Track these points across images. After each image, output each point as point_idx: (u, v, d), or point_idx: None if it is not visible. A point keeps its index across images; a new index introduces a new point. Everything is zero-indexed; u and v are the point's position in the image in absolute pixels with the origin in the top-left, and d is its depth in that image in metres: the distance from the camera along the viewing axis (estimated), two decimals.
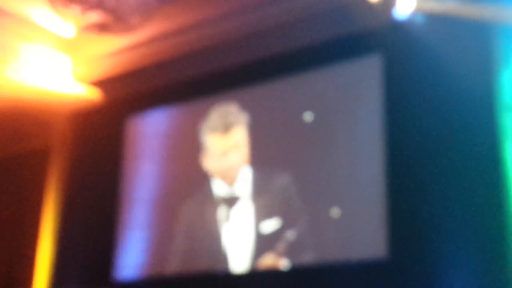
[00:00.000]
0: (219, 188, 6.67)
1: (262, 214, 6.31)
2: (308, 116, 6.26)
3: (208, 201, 6.70)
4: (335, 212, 5.84)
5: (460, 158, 5.20)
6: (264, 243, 6.23)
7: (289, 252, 6.03)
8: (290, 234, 6.06)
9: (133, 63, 7.26)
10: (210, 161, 6.79)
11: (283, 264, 6.03)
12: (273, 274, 6.09)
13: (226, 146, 6.70)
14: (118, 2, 4.76)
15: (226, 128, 6.73)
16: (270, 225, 6.22)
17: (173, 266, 6.80)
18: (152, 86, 7.50)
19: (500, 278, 4.74)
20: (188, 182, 6.98)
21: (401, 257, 5.31)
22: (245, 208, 6.42)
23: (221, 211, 6.58)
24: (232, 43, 6.66)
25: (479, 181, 5.05)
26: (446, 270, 5.02)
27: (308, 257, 5.92)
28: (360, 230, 5.68)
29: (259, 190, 6.38)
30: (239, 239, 6.39)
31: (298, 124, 6.30)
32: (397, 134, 5.63)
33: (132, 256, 7.18)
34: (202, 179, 6.82)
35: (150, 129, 7.58)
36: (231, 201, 6.54)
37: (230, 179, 6.61)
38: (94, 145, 7.86)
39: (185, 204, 6.88)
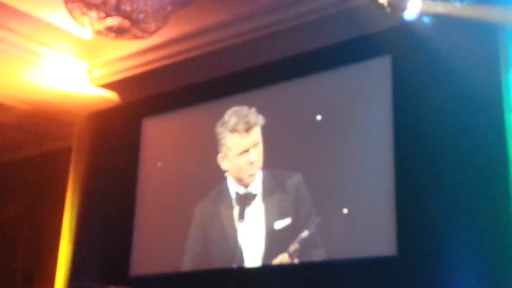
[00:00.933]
0: (235, 187, 6.74)
1: (275, 212, 6.38)
2: (320, 117, 6.32)
3: (224, 200, 6.78)
4: (345, 211, 5.90)
5: (467, 157, 5.23)
6: (277, 241, 6.30)
7: (302, 251, 6.09)
8: (304, 235, 6.12)
9: (150, 66, 7.34)
10: (230, 161, 6.86)
11: (296, 263, 6.10)
12: (286, 270, 6.15)
13: (248, 145, 6.77)
14: (134, 7, 4.83)
15: (247, 128, 6.81)
16: (283, 223, 6.28)
17: (188, 262, 6.89)
18: (168, 88, 7.60)
19: (506, 275, 4.76)
20: (204, 181, 7.06)
21: (409, 254, 5.37)
22: (260, 207, 6.50)
23: (236, 209, 6.66)
24: (245, 46, 6.70)
25: (486, 180, 5.08)
26: (453, 267, 5.05)
27: (320, 255, 5.98)
28: (370, 228, 5.73)
29: (273, 190, 6.45)
30: (253, 236, 6.47)
31: (310, 125, 6.37)
32: (406, 134, 5.68)
33: (148, 253, 7.27)
34: (217, 178, 6.91)
35: (167, 131, 7.66)
36: (246, 200, 6.61)
37: (247, 178, 6.69)
38: (113, 145, 7.97)
39: (201, 203, 6.97)
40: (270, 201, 6.45)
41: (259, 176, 6.60)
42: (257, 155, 6.69)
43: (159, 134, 7.71)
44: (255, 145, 6.72)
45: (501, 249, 4.86)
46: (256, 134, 6.75)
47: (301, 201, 6.24)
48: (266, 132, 6.70)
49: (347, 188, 5.97)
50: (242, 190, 6.68)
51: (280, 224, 6.30)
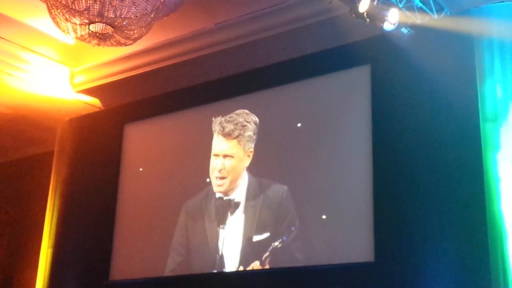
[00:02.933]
0: (218, 193, 6.67)
1: (255, 225, 6.31)
2: (300, 125, 6.30)
3: (209, 203, 6.69)
4: (324, 217, 5.88)
5: (443, 166, 5.25)
6: (253, 250, 6.25)
7: (274, 259, 6.06)
8: (276, 243, 6.09)
9: (132, 72, 7.29)
10: (212, 164, 6.78)
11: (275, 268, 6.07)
12: (265, 275, 6.12)
13: (219, 151, 6.71)
14: (117, 14, 4.78)
15: (226, 134, 6.74)
16: (261, 237, 6.23)
17: (171, 263, 6.79)
18: (149, 94, 7.55)
19: (480, 282, 4.77)
20: (185, 187, 7.00)
21: (386, 261, 5.36)
22: (241, 217, 6.43)
23: (218, 215, 6.60)
24: (226, 54, 6.70)
25: (462, 188, 5.09)
26: (429, 273, 5.05)
27: (297, 260, 5.95)
28: (348, 235, 5.72)
29: (257, 199, 6.39)
30: (231, 244, 6.41)
31: (291, 132, 6.35)
32: (384, 142, 5.68)
33: (128, 258, 7.20)
34: (198, 184, 6.86)
35: (148, 136, 7.61)
36: (229, 207, 6.55)
37: (215, 186, 6.65)
38: (94, 150, 7.89)
39: (188, 202, 6.86)
40: (252, 212, 6.37)
41: (243, 183, 6.53)
42: (226, 165, 6.61)
43: (140, 140, 7.65)
44: (225, 156, 6.64)
45: (476, 256, 4.86)
46: (231, 148, 6.65)
47: (283, 213, 6.18)
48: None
49: (326, 195, 5.96)
50: (224, 197, 6.62)
51: (258, 237, 6.24)
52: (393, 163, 5.53)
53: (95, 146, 7.89)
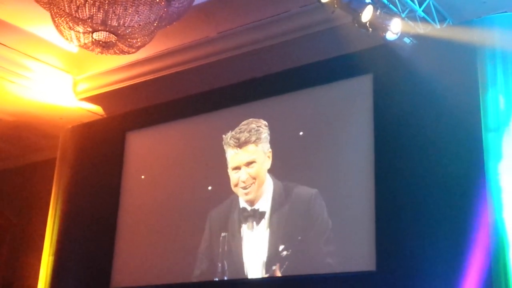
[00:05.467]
0: (242, 202, 6.57)
1: (280, 229, 6.22)
2: (302, 133, 6.31)
3: (234, 213, 6.60)
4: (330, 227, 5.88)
5: (446, 175, 5.25)
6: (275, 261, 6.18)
7: (286, 266, 6.04)
8: (286, 253, 6.06)
9: (134, 80, 7.32)
10: (229, 174, 6.72)
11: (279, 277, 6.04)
12: (270, 283, 6.11)
13: (239, 163, 6.65)
14: (120, 22, 4.80)
15: (238, 144, 6.70)
16: (282, 241, 6.15)
17: (197, 270, 6.71)
18: (152, 103, 7.57)
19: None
20: (187, 195, 7.00)
21: (388, 270, 5.36)
22: (266, 227, 6.34)
23: (242, 226, 6.50)
24: (229, 62, 6.72)
25: (464, 198, 5.09)
26: (431, 283, 5.05)
27: (303, 270, 5.94)
28: (350, 244, 5.72)
29: (282, 208, 6.29)
30: (254, 255, 6.33)
31: (293, 140, 6.36)
32: (386, 151, 5.69)
33: (130, 265, 7.19)
34: (202, 192, 6.85)
35: (150, 144, 7.62)
36: (253, 217, 6.46)
37: (243, 196, 6.57)
38: (96, 158, 7.91)
39: (213, 211, 6.75)
40: (277, 221, 6.24)
41: (269, 189, 6.42)
42: (251, 174, 6.53)
43: (142, 148, 7.66)
44: (248, 163, 6.57)
45: (480, 267, 4.84)
46: (251, 152, 6.59)
47: (311, 219, 6.04)
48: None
49: (329, 204, 5.94)
50: (248, 207, 6.52)
51: (280, 247, 6.15)
52: (395, 173, 5.54)
53: (97, 154, 7.90)
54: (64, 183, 8.05)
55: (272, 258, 6.16)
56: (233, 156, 6.72)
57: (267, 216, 6.35)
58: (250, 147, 6.62)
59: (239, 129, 6.75)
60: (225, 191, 6.70)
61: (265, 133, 6.56)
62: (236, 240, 6.47)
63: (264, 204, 6.40)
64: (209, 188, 6.82)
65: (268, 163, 6.50)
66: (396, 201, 5.46)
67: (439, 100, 5.41)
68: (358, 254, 5.64)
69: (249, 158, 6.59)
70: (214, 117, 7.04)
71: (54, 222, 7.90)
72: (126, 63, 7.16)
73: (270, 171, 6.48)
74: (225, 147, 6.82)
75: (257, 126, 6.62)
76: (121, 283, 7.19)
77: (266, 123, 6.60)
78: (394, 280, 5.27)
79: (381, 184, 5.61)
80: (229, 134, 6.80)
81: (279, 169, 6.41)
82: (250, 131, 6.64)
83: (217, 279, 6.48)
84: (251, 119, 6.72)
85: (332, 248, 5.82)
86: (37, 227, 8.62)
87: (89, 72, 7.50)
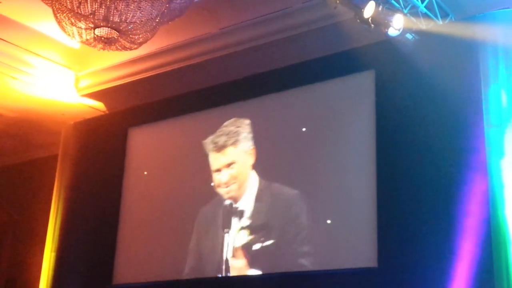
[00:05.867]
0: (227, 199, 6.70)
1: (261, 226, 6.35)
2: (305, 129, 6.35)
3: (219, 209, 6.73)
4: (329, 222, 5.92)
5: (448, 172, 5.26)
6: (257, 254, 6.31)
7: (284, 261, 6.10)
8: (282, 248, 6.14)
9: (137, 76, 7.34)
10: (216, 180, 6.86)
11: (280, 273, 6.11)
12: (268, 280, 6.15)
13: (219, 165, 6.83)
14: (123, 18, 4.83)
15: (217, 148, 6.88)
16: (266, 237, 6.26)
17: (187, 266, 6.81)
18: (154, 99, 7.60)
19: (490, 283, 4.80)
20: (189, 191, 7.04)
21: (389, 266, 5.39)
22: (246, 224, 6.47)
23: (225, 221, 6.62)
24: (232, 58, 6.75)
25: (467, 195, 5.11)
26: (432, 279, 5.07)
27: (302, 265, 5.98)
28: (352, 240, 5.76)
29: (263, 208, 6.42)
30: (235, 250, 6.46)
31: (296, 136, 6.40)
32: (388, 148, 5.72)
33: (132, 262, 7.23)
34: (205, 188, 6.90)
35: (153, 140, 7.65)
36: (235, 214, 6.58)
37: (225, 195, 6.70)
38: (99, 154, 7.95)
39: (204, 207, 6.87)
40: (258, 218, 6.40)
41: (252, 187, 6.56)
42: (232, 174, 6.70)
43: (145, 144, 7.70)
44: (228, 165, 6.74)
45: (480, 262, 4.88)
46: (229, 155, 6.77)
47: (291, 218, 6.20)
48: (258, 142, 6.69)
49: (330, 200, 5.99)
50: (233, 204, 6.66)
51: (265, 243, 6.27)
52: (397, 169, 5.57)
53: (99, 150, 7.94)
54: (66, 180, 8.09)
55: (252, 255, 6.29)
56: (214, 159, 6.90)
57: (248, 214, 6.46)
58: (229, 149, 6.79)
59: (219, 132, 6.92)
60: None
61: (244, 133, 6.72)
62: (219, 237, 6.57)
63: (247, 202, 6.53)
64: (212, 184, 6.86)
65: (250, 160, 6.63)
66: (398, 197, 5.49)
67: (441, 96, 5.43)
68: (360, 250, 5.67)
69: (228, 160, 6.76)
70: (215, 113, 7.08)
71: (56, 218, 7.94)
72: (128, 59, 7.20)
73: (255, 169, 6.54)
74: (206, 151, 6.94)
75: (236, 127, 6.80)
76: (123, 279, 7.23)
77: (248, 121, 6.71)
78: (396, 277, 5.30)
79: (383, 181, 5.64)
80: (209, 138, 6.96)
81: (265, 168, 6.53)
82: (228, 134, 6.83)
83: (202, 277, 6.58)
84: (230, 121, 6.87)
85: (306, 249, 5.96)
86: (39, 223, 8.66)
87: (91, 68, 7.54)
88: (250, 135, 6.68)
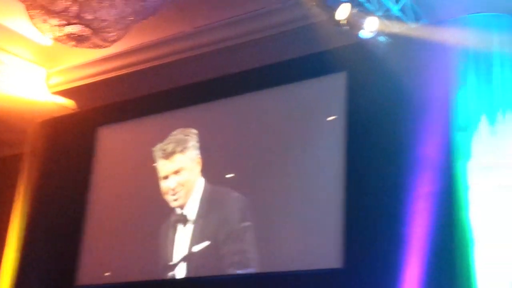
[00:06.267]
0: (174, 208, 6.85)
1: (198, 236, 6.53)
2: (275, 130, 6.44)
3: (164, 217, 6.87)
4: (293, 223, 6.03)
5: (416, 174, 5.38)
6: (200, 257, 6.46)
7: (236, 263, 6.23)
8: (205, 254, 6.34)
9: (108, 74, 7.36)
10: (163, 187, 7.01)
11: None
12: (231, 281, 6.24)
13: (167, 172, 6.97)
14: (95, 16, 4.85)
15: (165, 156, 7.02)
16: (201, 246, 6.44)
17: (133, 273, 6.89)
18: (125, 98, 7.62)
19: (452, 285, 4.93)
20: (156, 192, 7.08)
21: (355, 267, 5.49)
22: (190, 228, 6.63)
23: (174, 226, 6.76)
24: (204, 58, 6.83)
25: (433, 198, 5.24)
26: (398, 280, 5.18)
27: (260, 266, 6.09)
28: (317, 241, 5.85)
29: (207, 212, 6.58)
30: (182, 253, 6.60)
31: (265, 138, 6.49)
32: (358, 149, 5.83)
33: (96, 263, 7.23)
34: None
35: (122, 140, 7.66)
36: (182, 220, 6.71)
37: (172, 202, 6.84)
38: (66, 153, 7.92)
39: (150, 218, 7.00)
40: (201, 223, 6.58)
41: (197, 193, 6.71)
42: (179, 181, 6.83)
43: (114, 143, 7.72)
44: (176, 172, 6.89)
45: (443, 263, 5.02)
46: (177, 162, 6.93)
47: (234, 221, 6.36)
48: (209, 148, 6.84)
49: (296, 201, 6.10)
50: (179, 210, 6.82)
51: (198, 247, 6.44)
52: (366, 170, 5.68)
53: (67, 149, 7.91)
54: (31, 178, 8.03)
55: (193, 259, 6.45)
56: (162, 166, 7.03)
57: (192, 220, 6.62)
58: (177, 156, 6.93)
59: (167, 140, 7.06)
60: None
61: (192, 141, 6.90)
62: (168, 241, 6.70)
63: (191, 209, 6.69)
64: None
65: (197, 169, 6.78)
66: (366, 198, 5.60)
67: (412, 99, 5.55)
68: (325, 250, 5.77)
69: (176, 167, 6.91)
70: (188, 112, 7.13)
71: (19, 218, 7.87)
72: (101, 57, 7.21)
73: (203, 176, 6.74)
74: (154, 158, 7.05)
75: (185, 136, 6.98)
76: (87, 280, 7.22)
77: (195, 131, 6.89)
78: (363, 278, 5.40)
79: (351, 182, 5.76)
80: (158, 146, 7.09)
81: (215, 174, 6.68)
82: (176, 141, 7.01)
83: (154, 279, 6.69)
84: (178, 130, 7.04)
85: (253, 251, 6.11)
86: (3, 222, 8.57)
87: (63, 66, 7.53)
88: (197, 145, 6.84)
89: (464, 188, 5.07)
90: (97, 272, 7.14)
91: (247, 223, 6.25)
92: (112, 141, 7.72)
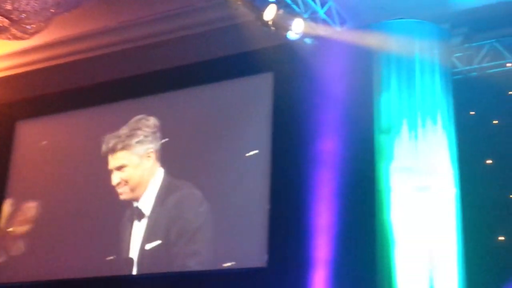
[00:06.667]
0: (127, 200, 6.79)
1: (155, 226, 6.49)
2: (202, 128, 6.47)
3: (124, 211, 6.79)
4: (218, 223, 6.09)
5: (339, 173, 5.56)
6: (148, 254, 6.43)
7: (172, 261, 6.21)
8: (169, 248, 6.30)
9: (27, 67, 7.20)
10: (111, 178, 6.94)
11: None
12: (161, 278, 6.22)
13: (111, 167, 6.96)
14: (15, 6, 4.74)
15: (106, 152, 7.01)
16: (153, 245, 6.41)
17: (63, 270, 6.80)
18: (45, 92, 7.48)
19: (373, 284, 5.09)
20: (79, 187, 6.97)
21: (279, 266, 5.63)
22: (144, 223, 6.58)
23: (130, 221, 6.69)
24: (128, 54, 6.79)
25: (355, 195, 5.44)
26: (321, 278, 5.31)
27: (190, 265, 6.13)
28: (242, 240, 5.97)
29: (160, 206, 6.56)
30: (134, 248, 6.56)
31: (191, 136, 6.50)
32: (283, 148, 5.98)
33: (15, 261, 7.07)
34: (91, 184, 6.97)
35: (41, 135, 7.52)
36: (137, 214, 6.66)
37: (131, 192, 6.79)
38: None
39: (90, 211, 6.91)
40: (154, 219, 6.54)
41: (153, 187, 6.68)
42: (122, 177, 6.82)
43: (33, 138, 7.58)
44: (118, 168, 6.88)
45: (365, 262, 5.19)
46: (120, 158, 6.92)
47: (181, 219, 6.37)
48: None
49: (223, 200, 6.19)
50: (134, 203, 6.78)
51: (153, 243, 6.43)
52: (291, 170, 5.82)
53: None
54: None
55: (147, 255, 6.44)
56: (109, 158, 7.03)
57: (147, 214, 6.61)
58: (119, 153, 6.95)
59: (115, 133, 7.06)
60: None
61: (141, 137, 6.87)
62: (123, 236, 6.65)
63: (146, 202, 6.67)
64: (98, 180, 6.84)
65: (147, 163, 6.77)
66: (290, 199, 5.72)
67: (336, 101, 5.73)
68: (249, 250, 5.89)
69: (118, 163, 6.92)
70: (108, 109, 7.12)
71: None
72: (20, 49, 7.02)
73: (163, 167, 6.70)
74: (102, 149, 7.08)
75: (132, 130, 6.96)
76: (3, 278, 7.04)
77: (153, 122, 6.83)
78: (286, 277, 5.53)
79: (277, 182, 5.90)
80: (107, 136, 7.07)
81: (171, 166, 6.69)
82: (119, 137, 7.02)
83: (106, 275, 6.62)
84: (135, 119, 6.98)
85: (194, 249, 6.15)
86: None
87: None
88: (150, 138, 6.80)
89: (386, 189, 5.25)
90: (16, 270, 7.02)
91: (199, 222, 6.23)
92: (32, 135, 7.62)
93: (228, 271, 5.90)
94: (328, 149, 5.66)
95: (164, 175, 6.67)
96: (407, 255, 5.02)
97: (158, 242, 6.39)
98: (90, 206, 6.95)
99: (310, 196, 5.61)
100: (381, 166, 5.33)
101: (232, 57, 6.48)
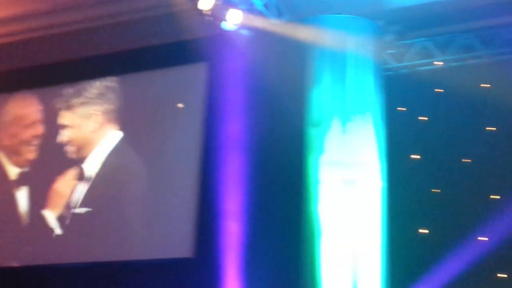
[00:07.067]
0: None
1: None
2: (132, 118, 6.49)
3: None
4: (144, 212, 6.16)
5: (271, 166, 5.68)
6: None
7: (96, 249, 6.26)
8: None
9: None
10: None
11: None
12: (80, 269, 6.24)
13: (60, 121, 6.93)
14: None
15: (60, 107, 6.96)
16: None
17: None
18: None
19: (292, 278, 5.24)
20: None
21: (206, 256, 5.69)
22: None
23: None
24: (63, 38, 6.73)
25: (284, 189, 5.55)
26: (249, 268, 5.42)
27: (113, 255, 6.17)
28: (168, 230, 6.02)
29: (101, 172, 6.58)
30: None
31: (124, 124, 6.54)
32: (214, 139, 6.03)
33: None
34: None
35: None
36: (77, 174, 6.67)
37: (76, 152, 6.75)
38: None
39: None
40: (94, 183, 6.60)
41: (99, 150, 6.68)
42: (66, 135, 6.82)
43: None
44: (62, 127, 6.87)
45: (290, 253, 5.31)
46: (64, 118, 6.90)
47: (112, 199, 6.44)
48: None
49: (148, 188, 6.24)
50: (79, 164, 6.74)
51: (80, 210, 6.48)
52: (221, 160, 5.88)
53: None
54: None
55: (75, 219, 6.46)
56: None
57: (90, 176, 6.58)
58: (63, 113, 6.92)
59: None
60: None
61: (86, 99, 6.84)
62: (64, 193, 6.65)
63: (91, 165, 6.65)
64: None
65: (92, 126, 6.75)
66: (219, 187, 5.79)
67: (269, 93, 5.82)
68: (176, 240, 5.94)
69: (62, 123, 6.91)
70: (44, 93, 7.02)
71: None
72: None
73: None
74: None
75: (75, 92, 6.91)
76: None
77: (106, 84, 6.79)
78: (213, 267, 5.59)
79: (206, 173, 5.96)
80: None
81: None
82: (65, 96, 6.96)
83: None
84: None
85: (146, 233, 6.13)
86: None
87: None
88: (98, 100, 6.78)
89: (314, 182, 5.39)
90: None
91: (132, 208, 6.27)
92: None
93: (152, 261, 5.95)
94: (260, 141, 5.75)
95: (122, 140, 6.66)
96: (332, 245, 5.17)
97: (88, 209, 6.41)
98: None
99: (240, 185, 5.68)
100: (310, 158, 5.46)
101: (166, 46, 6.50)
